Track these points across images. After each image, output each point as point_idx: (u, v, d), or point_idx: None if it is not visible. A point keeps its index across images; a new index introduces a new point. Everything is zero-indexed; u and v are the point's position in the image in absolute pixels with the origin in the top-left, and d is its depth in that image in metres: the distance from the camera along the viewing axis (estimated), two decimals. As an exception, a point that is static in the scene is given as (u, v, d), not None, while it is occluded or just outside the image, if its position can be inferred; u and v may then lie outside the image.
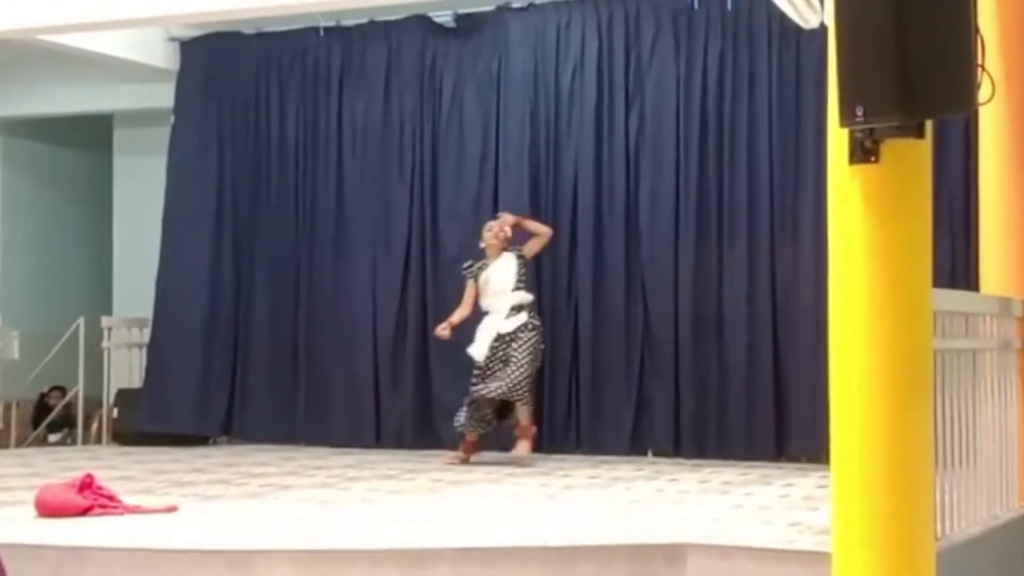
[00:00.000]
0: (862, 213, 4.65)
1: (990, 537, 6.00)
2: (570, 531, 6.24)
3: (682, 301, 10.15)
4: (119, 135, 13.30)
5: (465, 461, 9.63)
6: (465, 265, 9.99)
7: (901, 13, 4.27)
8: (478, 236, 10.08)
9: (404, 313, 11.05)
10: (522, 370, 9.50)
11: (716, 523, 6.46)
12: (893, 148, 4.56)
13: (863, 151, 4.57)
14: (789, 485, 8.19)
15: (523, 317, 9.67)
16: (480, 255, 10.03)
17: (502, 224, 9.95)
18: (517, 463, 9.41)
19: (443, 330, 9.85)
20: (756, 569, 5.52)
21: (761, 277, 9.97)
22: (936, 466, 5.01)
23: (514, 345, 9.58)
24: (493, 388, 9.49)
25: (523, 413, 9.56)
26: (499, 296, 9.73)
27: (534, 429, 9.70)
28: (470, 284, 9.90)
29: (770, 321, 9.92)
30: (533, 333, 9.66)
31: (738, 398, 9.93)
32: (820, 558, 4.98)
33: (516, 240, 10.03)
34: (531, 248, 9.98)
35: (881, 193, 4.63)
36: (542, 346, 9.81)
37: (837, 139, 4.68)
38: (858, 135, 4.55)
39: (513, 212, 10.17)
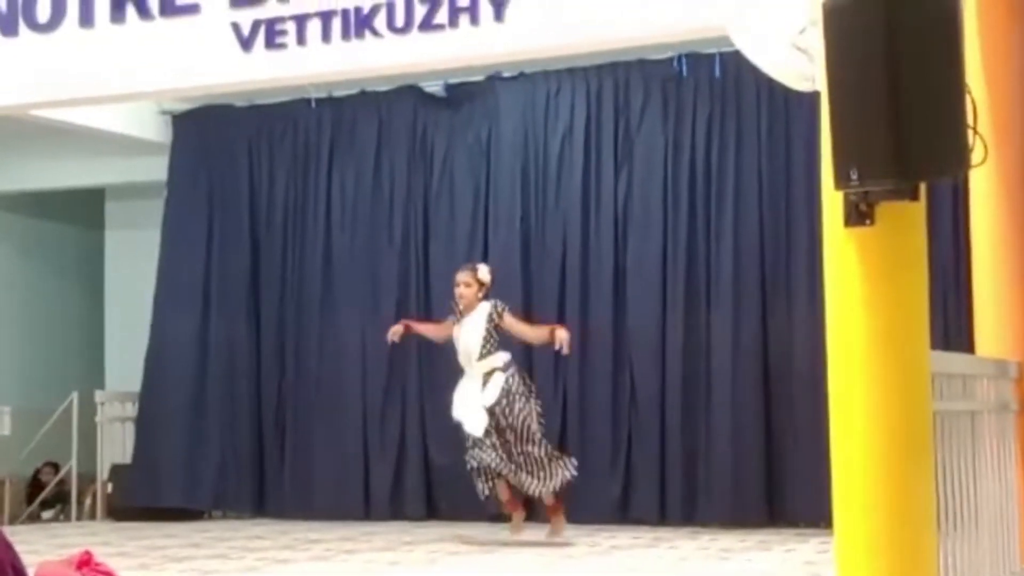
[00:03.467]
0: (859, 276, 4.66)
1: (994, 599, 5.97)
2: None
3: (670, 365, 10.14)
4: (111, 209, 13.31)
5: (518, 520, 8.86)
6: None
7: (893, 77, 4.30)
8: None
9: (395, 378, 11.02)
10: (532, 450, 8.66)
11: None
12: (888, 211, 4.59)
13: (858, 214, 4.60)
14: (789, 551, 8.15)
15: (500, 381, 8.72)
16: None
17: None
18: (552, 539, 8.73)
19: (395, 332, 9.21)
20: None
21: (751, 341, 9.97)
22: (938, 528, 4.98)
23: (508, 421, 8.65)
24: (528, 485, 8.68)
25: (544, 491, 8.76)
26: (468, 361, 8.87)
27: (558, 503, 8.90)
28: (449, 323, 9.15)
29: (761, 386, 9.91)
30: (520, 399, 8.69)
31: (726, 464, 9.85)
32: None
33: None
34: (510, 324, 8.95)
35: (877, 255, 4.65)
36: (535, 406, 8.81)
37: (832, 202, 4.70)
38: (853, 198, 4.58)
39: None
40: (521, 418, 8.64)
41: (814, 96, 4.99)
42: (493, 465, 8.62)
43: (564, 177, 10.70)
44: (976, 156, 4.62)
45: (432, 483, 10.81)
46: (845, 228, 4.64)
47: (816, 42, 4.74)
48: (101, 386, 12.62)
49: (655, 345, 10.23)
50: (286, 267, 11.59)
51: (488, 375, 8.73)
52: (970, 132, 4.52)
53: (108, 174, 12.69)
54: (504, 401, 8.63)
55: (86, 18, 9.45)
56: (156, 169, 12.00)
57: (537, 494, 8.75)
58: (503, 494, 8.83)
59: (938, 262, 8.97)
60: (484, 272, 9.02)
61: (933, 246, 8.72)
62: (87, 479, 12.07)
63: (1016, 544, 6.68)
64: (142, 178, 12.37)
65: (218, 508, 11.62)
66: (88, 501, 11.97)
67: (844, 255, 4.70)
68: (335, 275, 11.38)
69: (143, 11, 9.34)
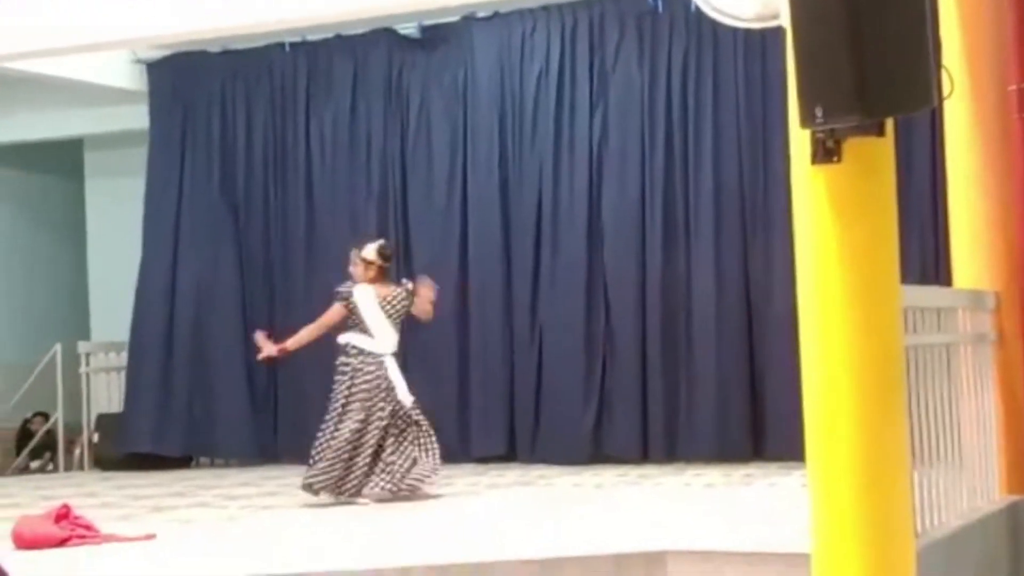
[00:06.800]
0: (827, 213, 4.63)
1: (972, 531, 5.98)
2: (554, 541, 6.21)
3: (649, 302, 10.12)
4: (90, 158, 13.24)
5: None
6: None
7: (855, 12, 4.24)
8: (448, 247, 10.00)
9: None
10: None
11: (697, 526, 6.44)
12: (855, 147, 4.55)
13: (825, 151, 4.55)
14: (772, 485, 8.18)
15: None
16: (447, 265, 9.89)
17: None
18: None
19: None
20: (736, 571, 5.50)
21: (731, 276, 9.96)
22: (914, 462, 4.99)
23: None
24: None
25: None
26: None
27: None
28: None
29: (743, 320, 9.91)
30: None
31: (709, 399, 9.87)
32: (800, 559, 4.95)
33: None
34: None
35: (845, 192, 4.62)
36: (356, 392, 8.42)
37: (799, 140, 4.66)
38: (819, 135, 4.53)
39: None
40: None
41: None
42: None
43: (540, 116, 10.64)
44: (943, 90, 4.57)
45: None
46: (812, 165, 4.60)
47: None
48: (86, 337, 12.61)
49: (633, 282, 10.21)
50: (268, 212, 11.54)
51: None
52: (935, 66, 4.47)
53: (85, 124, 12.61)
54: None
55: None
56: (133, 118, 11.94)
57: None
58: None
59: (915, 199, 8.97)
60: (369, 251, 8.30)
61: (911, 182, 8.82)
62: (75, 429, 12.08)
63: (995, 474, 6.71)
64: (120, 127, 12.31)
65: (207, 455, 11.64)
66: (76, 451, 12.00)
67: (812, 192, 4.67)
68: (315, 221, 11.34)
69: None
